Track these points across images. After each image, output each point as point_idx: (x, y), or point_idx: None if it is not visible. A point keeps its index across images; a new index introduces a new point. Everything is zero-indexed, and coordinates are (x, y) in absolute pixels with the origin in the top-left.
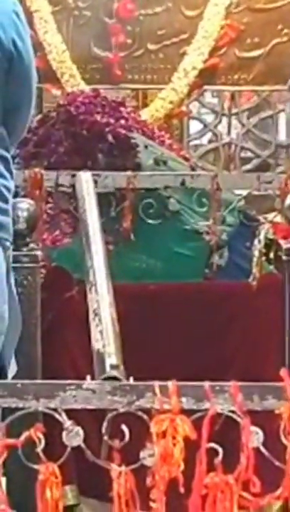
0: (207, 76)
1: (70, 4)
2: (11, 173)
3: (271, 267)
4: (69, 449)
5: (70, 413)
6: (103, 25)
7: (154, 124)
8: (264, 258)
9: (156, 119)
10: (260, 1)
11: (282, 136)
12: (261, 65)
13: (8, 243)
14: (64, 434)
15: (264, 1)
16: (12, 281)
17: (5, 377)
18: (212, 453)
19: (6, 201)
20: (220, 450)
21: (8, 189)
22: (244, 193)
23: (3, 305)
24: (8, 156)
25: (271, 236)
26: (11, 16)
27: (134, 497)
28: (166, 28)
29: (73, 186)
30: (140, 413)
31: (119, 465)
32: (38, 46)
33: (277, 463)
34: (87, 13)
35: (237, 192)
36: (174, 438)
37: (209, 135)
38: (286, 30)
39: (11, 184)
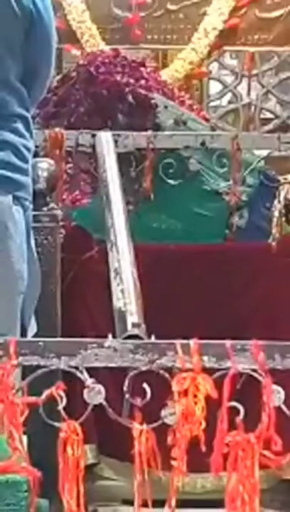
0: (227, 36)
1: None
2: (30, 133)
3: None
4: (90, 407)
5: (91, 372)
6: None
7: (174, 85)
8: (283, 219)
9: (176, 79)
10: None
11: None
12: (281, 26)
13: (27, 203)
14: (85, 392)
15: None
16: (32, 241)
17: (25, 336)
18: (233, 412)
19: (26, 161)
20: (242, 409)
21: (27, 149)
22: (265, 153)
23: (22, 264)
24: (28, 115)
25: None
26: None
27: (155, 456)
28: None
29: (93, 146)
30: (161, 372)
31: (141, 423)
32: (58, 6)
33: None
34: None
35: (257, 153)
36: (195, 396)
37: (229, 96)
38: None
39: (31, 144)
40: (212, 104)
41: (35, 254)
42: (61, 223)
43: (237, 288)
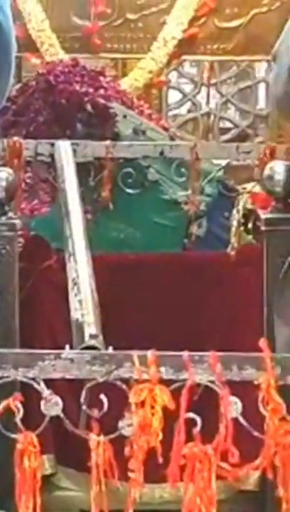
0: (186, 46)
1: None
2: None
3: (250, 237)
4: (47, 419)
5: (49, 383)
6: None
7: (133, 94)
8: (242, 228)
9: (135, 88)
10: None
11: (261, 106)
12: (241, 35)
13: None
14: (42, 403)
15: None
16: None
17: None
18: (190, 423)
19: None
20: (199, 420)
21: None
22: (223, 163)
23: None
24: None
25: (249, 206)
26: None
27: (112, 467)
28: None
29: (52, 155)
30: (119, 383)
31: (98, 435)
32: (18, 15)
33: (255, 433)
34: None
35: (216, 162)
36: (153, 408)
37: (188, 105)
38: (265, 1)
39: None
40: (171, 113)
41: None
42: (19, 232)
43: (195, 297)
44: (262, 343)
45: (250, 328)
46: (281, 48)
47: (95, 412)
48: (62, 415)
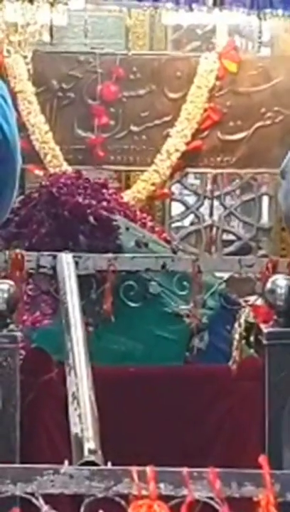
0: (189, 158)
1: (54, 86)
2: None
3: (252, 351)
4: None
5: (48, 497)
6: (86, 106)
7: (136, 206)
8: (244, 342)
9: (139, 200)
10: (243, 84)
11: (264, 219)
12: (244, 148)
13: None
14: None
15: (247, 84)
16: None
17: None
18: None
19: None
20: None
21: None
22: (225, 276)
23: None
24: None
25: (251, 320)
26: None
27: None
28: (149, 110)
29: (54, 268)
30: (117, 498)
31: None
32: (21, 127)
33: None
34: (70, 94)
35: (218, 275)
36: None
37: (191, 217)
38: (268, 114)
39: None
40: (174, 225)
41: None
42: (21, 344)
43: (196, 411)
44: (262, 459)
45: (251, 443)
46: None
47: None
48: None
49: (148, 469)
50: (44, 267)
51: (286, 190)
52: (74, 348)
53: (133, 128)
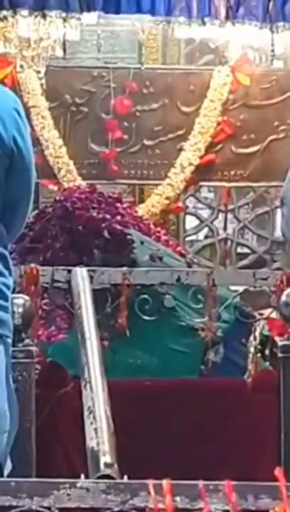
0: (203, 172)
1: (68, 100)
2: (9, 270)
3: (267, 364)
4: None
5: (64, 511)
6: (100, 120)
7: (150, 220)
8: (259, 355)
9: (153, 214)
10: (256, 97)
11: (278, 232)
12: (258, 162)
13: (9, 340)
14: None
15: (260, 97)
16: (11, 378)
17: (1, 475)
18: None
19: (6, 299)
20: None
21: (7, 286)
22: (240, 289)
23: (4, 402)
24: (7, 253)
25: (266, 333)
26: (12, 113)
27: None
28: (163, 123)
29: (69, 282)
30: None
31: None
32: (35, 141)
33: None
34: (84, 109)
35: (233, 288)
36: None
37: (205, 230)
38: (282, 127)
39: (10, 281)
40: (188, 238)
41: (14, 390)
42: (36, 359)
43: (211, 424)
44: (278, 472)
45: (266, 455)
46: (289, 193)
47: None
48: None
49: (165, 482)
50: (59, 281)
51: (288, 217)
52: (90, 362)
53: (147, 142)
